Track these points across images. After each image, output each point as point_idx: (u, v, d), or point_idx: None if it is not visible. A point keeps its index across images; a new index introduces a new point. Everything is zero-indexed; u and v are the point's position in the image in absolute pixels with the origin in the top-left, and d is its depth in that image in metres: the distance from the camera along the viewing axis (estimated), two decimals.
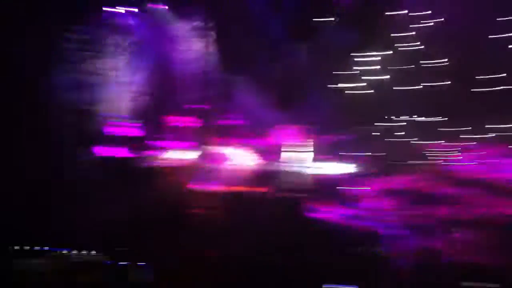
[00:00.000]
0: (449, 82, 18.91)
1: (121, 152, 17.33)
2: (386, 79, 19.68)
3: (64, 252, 13.35)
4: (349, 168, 18.24)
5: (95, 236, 13.51)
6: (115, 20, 18.05)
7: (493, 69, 18.20)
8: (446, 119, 18.88)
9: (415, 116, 19.43)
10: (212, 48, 18.09)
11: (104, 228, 13.83)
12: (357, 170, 17.99)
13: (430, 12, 19.03)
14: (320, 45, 18.26)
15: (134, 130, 18.39)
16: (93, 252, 13.39)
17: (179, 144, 18.75)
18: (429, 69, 19.27)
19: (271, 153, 19.10)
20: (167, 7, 18.87)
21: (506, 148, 17.40)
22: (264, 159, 18.80)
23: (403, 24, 18.83)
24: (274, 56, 19.16)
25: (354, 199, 15.55)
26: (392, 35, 19.01)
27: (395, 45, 19.32)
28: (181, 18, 19.21)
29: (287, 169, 17.97)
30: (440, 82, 19.07)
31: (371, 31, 18.33)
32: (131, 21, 18.82)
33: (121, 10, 18.30)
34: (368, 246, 12.17)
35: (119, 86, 18.30)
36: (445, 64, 19.07)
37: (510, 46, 17.89)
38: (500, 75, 18.16)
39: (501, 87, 18.20)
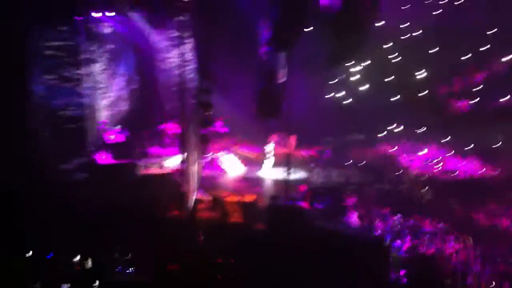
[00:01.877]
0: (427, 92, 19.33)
1: (104, 158, 16.82)
2: (366, 89, 19.99)
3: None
4: (331, 176, 18.30)
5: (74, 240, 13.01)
6: (93, 26, 17.62)
7: (470, 80, 18.72)
8: (425, 129, 19.30)
9: (395, 125, 19.79)
10: (192, 56, 17.81)
11: (83, 231, 13.34)
12: (340, 178, 18.03)
13: (408, 24, 19.48)
14: (302, 54, 18.35)
15: (117, 137, 17.88)
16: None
17: (163, 151, 18.38)
18: (407, 80, 19.70)
19: (254, 161, 19.01)
20: (146, 14, 18.51)
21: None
22: (248, 167, 18.67)
23: (383, 35, 19.18)
24: (255, 65, 19.06)
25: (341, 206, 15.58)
26: (372, 46, 19.27)
27: (375, 56, 19.66)
28: (161, 25, 18.90)
29: (272, 176, 17.87)
30: (417, 92, 19.48)
31: (352, 42, 18.56)
32: (111, 28, 18.43)
33: (100, 15, 17.77)
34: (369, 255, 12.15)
35: (100, 93, 17.84)
36: (423, 74, 19.56)
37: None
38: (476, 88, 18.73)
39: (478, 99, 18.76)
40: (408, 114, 19.10)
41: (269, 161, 18.66)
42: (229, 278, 12.56)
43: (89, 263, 12.88)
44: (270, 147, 18.63)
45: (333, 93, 20.39)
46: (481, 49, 18.28)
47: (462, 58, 18.50)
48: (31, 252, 12.78)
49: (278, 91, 18.67)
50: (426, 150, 18.74)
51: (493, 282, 12.08)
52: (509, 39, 18.03)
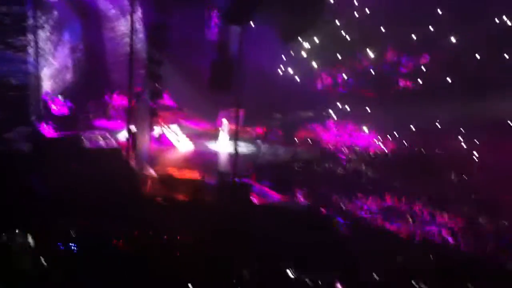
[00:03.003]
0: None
1: (48, 129, 16.33)
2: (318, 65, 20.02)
3: None
4: (278, 153, 18.36)
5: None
6: None
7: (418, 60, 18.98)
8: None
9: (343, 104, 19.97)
10: (142, 27, 17.38)
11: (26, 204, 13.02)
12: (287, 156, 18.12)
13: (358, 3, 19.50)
14: (255, 29, 18.17)
15: (61, 107, 17.37)
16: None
17: (109, 124, 18.00)
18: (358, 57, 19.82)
19: (205, 136, 18.85)
20: None
21: None
22: (198, 142, 18.50)
23: (335, 11, 19.16)
24: (208, 38, 18.77)
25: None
26: (324, 22, 19.24)
27: (326, 33, 19.65)
28: None
29: (222, 152, 17.79)
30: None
31: (306, 18, 18.47)
32: None
33: None
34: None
35: (45, 61, 17.22)
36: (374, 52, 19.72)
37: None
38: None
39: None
40: (356, 92, 19.25)
41: (224, 134, 18.51)
42: (175, 255, 12.53)
43: (29, 238, 12.59)
44: (225, 121, 18.46)
45: (284, 69, 20.32)
46: (430, 28, 18.44)
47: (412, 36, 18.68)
48: None
49: (230, 64, 18.45)
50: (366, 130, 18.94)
51: None
52: (456, 21, 18.28)
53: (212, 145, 18.39)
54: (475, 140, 17.56)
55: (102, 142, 16.33)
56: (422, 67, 19.02)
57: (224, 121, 18.40)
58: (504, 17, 17.70)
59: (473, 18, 17.86)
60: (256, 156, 17.60)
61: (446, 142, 17.80)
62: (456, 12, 18.34)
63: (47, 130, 16.16)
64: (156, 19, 16.77)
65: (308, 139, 18.87)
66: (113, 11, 18.28)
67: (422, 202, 14.73)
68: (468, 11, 17.91)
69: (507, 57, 17.42)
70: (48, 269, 11.84)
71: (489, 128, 17.13)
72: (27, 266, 11.33)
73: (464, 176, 16.13)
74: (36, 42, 16.24)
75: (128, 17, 15.75)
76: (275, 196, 15.00)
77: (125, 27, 17.31)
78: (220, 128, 18.51)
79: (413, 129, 18.64)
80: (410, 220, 14.10)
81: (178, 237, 12.86)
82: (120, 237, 12.66)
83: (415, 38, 18.88)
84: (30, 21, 15.96)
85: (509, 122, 17.18)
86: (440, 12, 18.54)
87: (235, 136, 16.62)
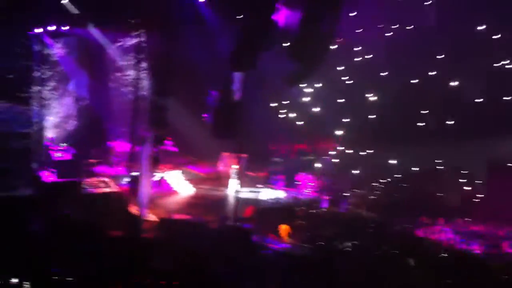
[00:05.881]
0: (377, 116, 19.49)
1: (49, 176, 16.47)
2: (319, 110, 20.10)
3: None
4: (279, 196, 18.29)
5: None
6: (46, 44, 17.47)
7: (422, 104, 18.98)
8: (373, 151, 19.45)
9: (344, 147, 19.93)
10: (146, 73, 17.66)
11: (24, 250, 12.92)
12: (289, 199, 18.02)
13: (360, 48, 19.70)
14: (258, 74, 18.42)
15: (64, 155, 17.55)
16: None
17: (110, 170, 18.08)
18: (359, 103, 19.88)
19: (209, 180, 18.85)
20: (102, 29, 18.35)
21: None
22: (200, 187, 18.48)
23: (337, 57, 19.34)
24: (211, 83, 19.02)
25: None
26: (326, 67, 19.37)
27: (329, 77, 19.81)
28: (113, 41, 18.77)
29: (228, 196, 17.69)
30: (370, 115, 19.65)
31: (307, 63, 18.65)
32: (64, 45, 18.27)
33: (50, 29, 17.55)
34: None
35: (49, 111, 17.60)
36: (374, 98, 19.76)
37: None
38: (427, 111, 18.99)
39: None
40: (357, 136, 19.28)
41: (227, 179, 18.45)
42: None
43: (28, 286, 12.44)
44: (227, 166, 18.46)
45: (286, 114, 20.44)
46: (429, 73, 18.54)
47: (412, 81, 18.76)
48: None
49: (233, 111, 18.62)
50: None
51: None
52: (457, 64, 18.38)
53: (214, 190, 18.30)
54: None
55: (102, 187, 16.42)
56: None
57: (226, 166, 18.39)
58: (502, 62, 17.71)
59: (472, 61, 17.95)
60: (258, 201, 17.44)
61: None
62: (457, 55, 18.39)
63: (49, 177, 16.28)
64: (161, 67, 17.08)
65: (309, 183, 18.74)
66: (119, 60, 18.62)
67: None
68: (468, 54, 17.99)
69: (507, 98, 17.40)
70: None
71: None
72: None
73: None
74: (41, 94, 16.59)
75: (133, 67, 16.07)
76: (277, 241, 14.78)
77: (130, 77, 17.60)
78: (221, 173, 18.49)
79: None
80: None
81: (177, 282, 12.71)
82: (118, 282, 12.52)
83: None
84: (36, 74, 16.35)
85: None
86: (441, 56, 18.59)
87: (237, 181, 16.63)
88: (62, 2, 16.49)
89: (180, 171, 18.56)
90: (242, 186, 16.82)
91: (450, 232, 14.80)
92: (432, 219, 15.73)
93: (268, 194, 18.24)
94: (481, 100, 18.01)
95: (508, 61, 17.43)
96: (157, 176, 17.59)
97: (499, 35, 17.29)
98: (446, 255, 12.29)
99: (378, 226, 14.95)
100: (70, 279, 12.58)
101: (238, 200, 16.18)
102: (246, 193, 17.43)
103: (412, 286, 11.01)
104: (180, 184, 18.18)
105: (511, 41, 17.13)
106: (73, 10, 16.83)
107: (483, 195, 17.30)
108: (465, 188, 17.70)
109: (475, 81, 18.03)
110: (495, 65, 17.53)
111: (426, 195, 17.35)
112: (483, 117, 17.51)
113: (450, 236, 14.54)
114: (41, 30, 17.17)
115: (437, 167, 18.33)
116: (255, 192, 18.26)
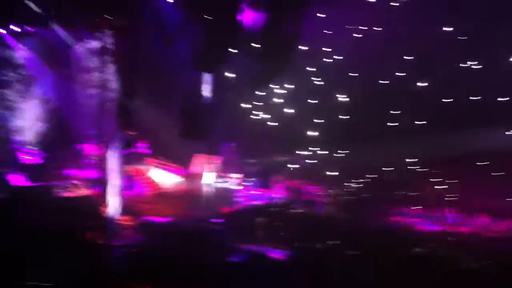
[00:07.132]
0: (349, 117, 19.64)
1: (18, 180, 16.15)
2: (290, 112, 20.14)
3: None
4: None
5: None
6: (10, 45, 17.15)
7: (390, 105, 19.20)
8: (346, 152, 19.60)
9: (317, 148, 20.02)
10: (115, 75, 17.47)
11: None
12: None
13: (330, 49, 19.80)
14: (227, 76, 18.40)
15: (32, 158, 17.21)
16: None
17: (80, 173, 17.80)
18: (329, 104, 19.99)
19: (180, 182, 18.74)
20: (66, 29, 18.08)
21: None
22: (173, 188, 18.36)
23: (307, 59, 19.43)
24: (179, 85, 18.90)
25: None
26: (296, 69, 19.48)
27: (299, 79, 19.88)
28: (79, 41, 18.51)
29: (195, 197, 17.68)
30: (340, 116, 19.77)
31: (277, 65, 18.73)
32: (29, 46, 17.94)
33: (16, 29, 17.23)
34: None
35: (17, 115, 17.26)
36: (345, 99, 19.91)
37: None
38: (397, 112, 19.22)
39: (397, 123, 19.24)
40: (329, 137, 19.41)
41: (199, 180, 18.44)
42: None
43: None
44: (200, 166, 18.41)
45: (258, 115, 20.42)
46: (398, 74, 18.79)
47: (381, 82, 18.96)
48: None
49: (202, 112, 18.58)
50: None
51: None
52: (425, 65, 18.69)
53: (187, 191, 18.22)
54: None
55: (73, 191, 16.19)
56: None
57: (199, 166, 18.34)
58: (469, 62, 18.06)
59: (440, 62, 18.27)
60: (230, 202, 17.42)
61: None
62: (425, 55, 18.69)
63: (17, 181, 15.96)
64: (128, 68, 16.92)
65: (283, 184, 18.77)
66: (86, 64, 18.36)
67: None
68: (436, 56, 18.30)
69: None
70: None
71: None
72: None
73: None
74: (5, 96, 16.27)
75: (101, 69, 15.86)
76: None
77: (98, 78, 17.36)
78: (194, 174, 18.43)
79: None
80: None
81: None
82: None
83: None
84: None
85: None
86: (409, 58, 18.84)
87: (209, 182, 16.61)
88: (25, 1, 16.19)
89: (152, 173, 18.40)
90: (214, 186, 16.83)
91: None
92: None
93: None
94: (450, 100, 18.29)
95: (476, 62, 17.79)
96: (129, 178, 17.39)
97: (466, 37, 17.61)
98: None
99: (351, 226, 15.12)
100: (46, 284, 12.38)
101: (210, 202, 16.20)
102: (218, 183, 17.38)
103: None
104: (152, 186, 18.03)
105: (478, 42, 17.47)
106: (36, 8, 16.56)
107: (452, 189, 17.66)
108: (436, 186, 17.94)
109: (443, 81, 18.36)
110: (461, 65, 17.87)
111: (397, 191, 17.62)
112: (450, 116, 17.85)
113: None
114: (3, 31, 16.81)
115: (408, 166, 18.58)
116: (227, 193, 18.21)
